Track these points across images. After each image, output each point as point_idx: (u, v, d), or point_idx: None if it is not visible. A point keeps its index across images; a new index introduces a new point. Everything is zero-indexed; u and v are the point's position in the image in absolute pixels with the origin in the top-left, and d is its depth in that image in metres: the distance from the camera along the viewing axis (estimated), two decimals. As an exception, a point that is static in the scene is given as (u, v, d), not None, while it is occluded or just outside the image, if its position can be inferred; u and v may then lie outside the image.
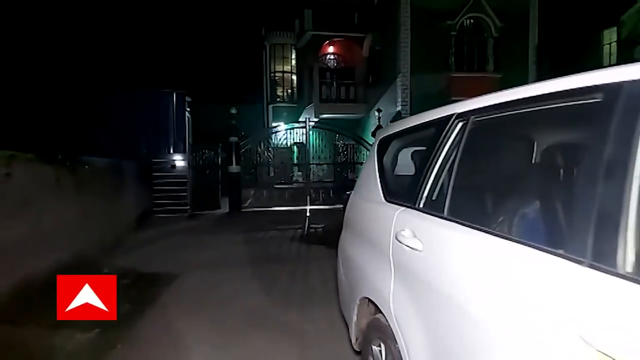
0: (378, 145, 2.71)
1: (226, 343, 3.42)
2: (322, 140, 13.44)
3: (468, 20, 14.40)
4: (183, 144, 12.03)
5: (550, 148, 1.47)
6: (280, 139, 13.69)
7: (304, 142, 12.35)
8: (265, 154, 13.04)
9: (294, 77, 21.23)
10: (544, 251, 1.22)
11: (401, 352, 1.92)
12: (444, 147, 1.90)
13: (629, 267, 1.00)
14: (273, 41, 21.04)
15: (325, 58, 18.91)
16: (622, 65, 1.19)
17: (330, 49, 18.92)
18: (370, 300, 2.30)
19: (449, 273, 1.65)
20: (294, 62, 21.15)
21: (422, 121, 2.19)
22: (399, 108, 14.06)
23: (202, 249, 7.07)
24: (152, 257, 6.28)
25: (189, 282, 5.11)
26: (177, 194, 11.11)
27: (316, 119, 16.00)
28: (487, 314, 1.37)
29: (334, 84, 16.90)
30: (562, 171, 1.46)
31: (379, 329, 2.22)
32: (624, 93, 1.12)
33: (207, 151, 12.35)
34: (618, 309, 0.99)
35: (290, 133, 13.55)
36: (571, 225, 1.18)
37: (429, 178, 1.95)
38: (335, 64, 18.67)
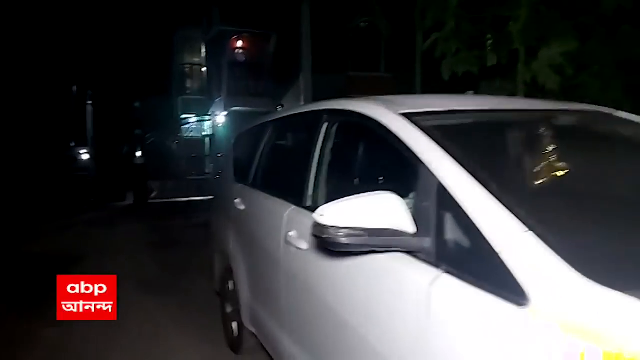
0: (235, 140, 3.65)
1: (127, 300, 4.21)
2: (229, 132, 14.13)
3: (363, 24, 15.87)
4: (86, 137, 12.04)
5: (304, 144, 2.50)
6: (188, 131, 14.11)
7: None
8: (173, 145, 13.44)
9: (204, 70, 21.40)
10: (289, 202, 2.22)
11: (236, 283, 2.89)
12: (262, 143, 2.88)
13: (308, 203, 2.03)
14: (182, 33, 21.01)
15: (234, 52, 19.38)
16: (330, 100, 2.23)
17: (239, 44, 19.39)
18: (223, 251, 3.24)
19: (254, 222, 2.64)
20: (203, 54, 21.30)
21: (254, 125, 3.17)
22: (302, 104, 15.14)
23: (105, 237, 7.55)
24: (58, 244, 6.72)
25: (93, 263, 5.67)
26: (81, 186, 11.20)
27: (226, 112, 16.58)
28: (269, 241, 2.36)
29: (242, 78, 17.51)
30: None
31: (229, 272, 3.16)
32: (316, 115, 2.15)
33: (112, 144, 12.49)
34: (303, 225, 2.01)
35: (201, 125, 14.05)
36: (296, 187, 2.19)
37: (254, 163, 2.92)
38: (243, 59, 19.20)
